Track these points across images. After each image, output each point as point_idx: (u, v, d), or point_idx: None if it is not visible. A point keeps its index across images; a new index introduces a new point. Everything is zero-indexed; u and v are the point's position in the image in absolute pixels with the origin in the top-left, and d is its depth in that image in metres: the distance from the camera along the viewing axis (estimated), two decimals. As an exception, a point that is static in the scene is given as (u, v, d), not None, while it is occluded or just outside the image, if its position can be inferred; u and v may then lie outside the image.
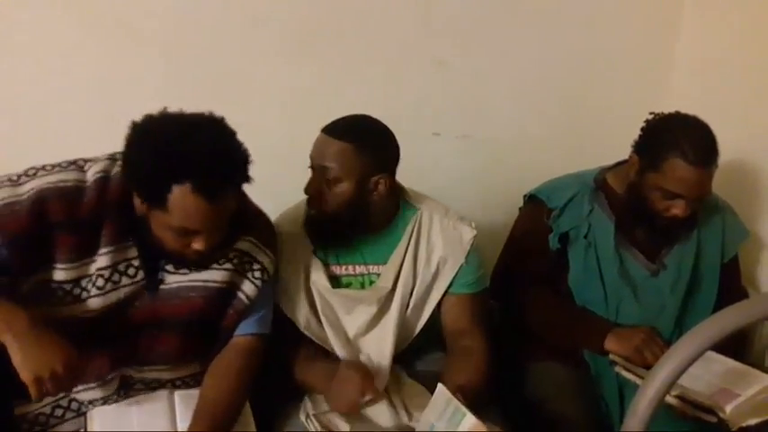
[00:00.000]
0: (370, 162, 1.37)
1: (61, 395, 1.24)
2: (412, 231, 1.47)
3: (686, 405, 1.35)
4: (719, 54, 1.97)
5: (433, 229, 1.48)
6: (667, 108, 1.53)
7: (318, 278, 1.44)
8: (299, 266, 1.44)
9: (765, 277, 1.81)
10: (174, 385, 1.31)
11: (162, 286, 1.24)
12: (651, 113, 1.56)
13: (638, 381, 1.41)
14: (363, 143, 1.36)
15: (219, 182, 1.12)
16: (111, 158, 1.22)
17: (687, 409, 1.34)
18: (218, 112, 1.72)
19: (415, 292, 1.47)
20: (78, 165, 1.21)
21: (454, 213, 1.52)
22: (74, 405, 1.26)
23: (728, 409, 1.32)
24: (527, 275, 1.61)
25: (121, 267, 1.20)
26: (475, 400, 1.26)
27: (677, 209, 1.49)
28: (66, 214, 1.15)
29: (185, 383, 1.32)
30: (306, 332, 1.44)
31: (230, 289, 1.29)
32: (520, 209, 1.73)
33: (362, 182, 1.38)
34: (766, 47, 1.81)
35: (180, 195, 1.09)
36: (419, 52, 1.92)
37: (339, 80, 1.89)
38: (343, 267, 1.48)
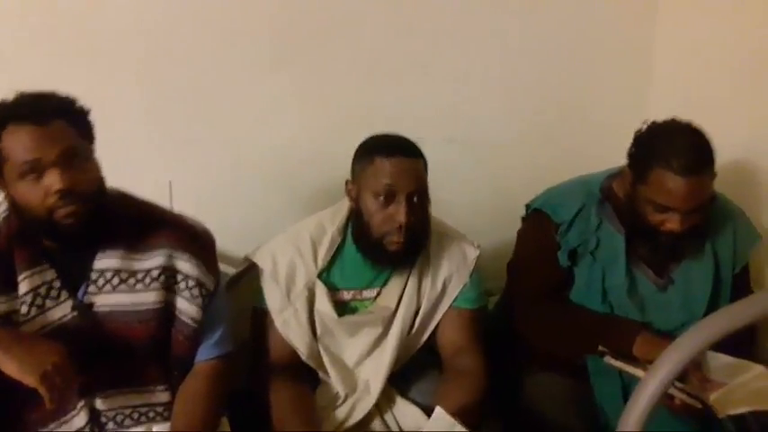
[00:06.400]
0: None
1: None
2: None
3: (674, 389, 1.32)
4: (700, 41, 1.94)
5: (438, 250, 1.47)
6: (651, 104, 1.49)
7: (323, 306, 1.40)
8: (303, 293, 1.41)
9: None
10: (147, 418, 1.27)
11: (95, 309, 1.22)
12: (644, 122, 1.45)
13: (627, 369, 1.40)
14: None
15: (44, 110, 1.14)
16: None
17: (675, 393, 1.32)
18: (199, 127, 1.73)
19: (420, 314, 1.45)
20: None
21: (457, 231, 1.52)
22: None
23: (712, 396, 1.30)
24: (534, 290, 1.55)
25: (42, 291, 1.19)
26: (473, 422, 1.25)
27: (671, 223, 1.39)
28: None
29: (158, 414, 1.28)
30: (308, 361, 1.41)
31: (166, 308, 1.26)
32: (522, 218, 1.67)
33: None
34: (748, 31, 1.78)
35: (11, 133, 1.12)
36: (401, 56, 1.89)
37: (320, 87, 1.85)
38: (352, 293, 1.45)
